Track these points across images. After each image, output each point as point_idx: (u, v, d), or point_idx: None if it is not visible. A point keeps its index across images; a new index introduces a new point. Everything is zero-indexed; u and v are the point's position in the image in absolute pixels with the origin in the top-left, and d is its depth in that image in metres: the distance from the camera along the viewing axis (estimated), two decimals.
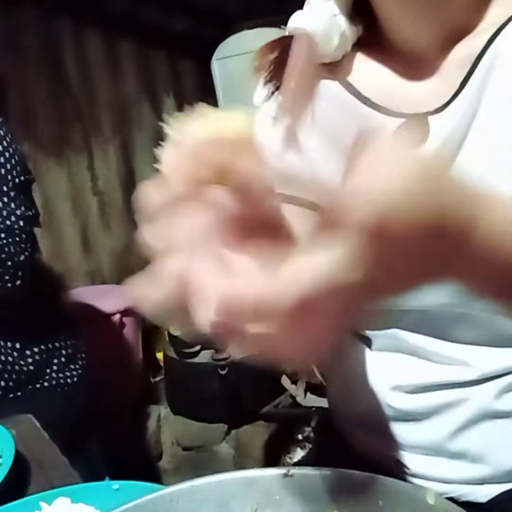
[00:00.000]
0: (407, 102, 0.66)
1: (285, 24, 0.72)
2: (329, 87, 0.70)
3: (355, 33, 0.69)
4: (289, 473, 0.41)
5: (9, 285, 1.28)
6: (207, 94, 2.65)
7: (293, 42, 0.67)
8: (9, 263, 1.26)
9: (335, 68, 0.70)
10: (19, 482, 0.81)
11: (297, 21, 0.68)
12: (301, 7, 0.69)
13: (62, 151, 2.49)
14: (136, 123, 2.65)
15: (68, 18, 2.43)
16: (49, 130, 2.45)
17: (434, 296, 0.66)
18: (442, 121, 0.63)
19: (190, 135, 0.37)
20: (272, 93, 0.72)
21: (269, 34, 0.73)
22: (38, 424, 0.97)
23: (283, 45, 0.70)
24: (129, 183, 2.67)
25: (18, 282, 1.28)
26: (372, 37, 0.69)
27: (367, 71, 0.69)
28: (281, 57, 0.69)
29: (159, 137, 0.39)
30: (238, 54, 2.41)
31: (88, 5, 2.43)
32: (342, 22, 0.67)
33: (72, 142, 2.52)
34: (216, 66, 2.56)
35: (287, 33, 0.69)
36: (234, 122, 0.36)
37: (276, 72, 0.70)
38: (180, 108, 2.85)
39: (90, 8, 2.45)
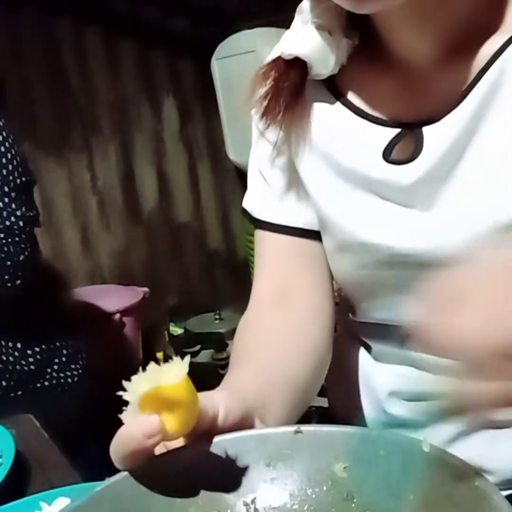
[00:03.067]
0: (404, 112, 0.65)
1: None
2: (323, 103, 0.69)
3: (351, 44, 0.67)
4: (300, 430, 0.46)
5: (9, 284, 1.28)
6: (207, 94, 2.66)
7: (287, 68, 0.67)
8: (9, 263, 1.27)
9: (330, 80, 0.69)
10: (19, 482, 0.81)
11: (289, 46, 0.67)
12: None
13: (62, 151, 2.49)
14: (136, 123, 2.64)
15: (68, 18, 2.43)
16: (49, 130, 2.45)
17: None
18: (437, 133, 0.61)
19: (137, 393, 0.44)
20: (269, 125, 0.70)
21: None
22: (38, 424, 0.97)
23: (277, 70, 0.68)
24: (129, 183, 2.67)
25: (18, 281, 1.29)
26: (368, 45, 0.67)
27: (363, 80, 0.68)
28: (276, 86, 0.68)
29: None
30: (237, 54, 2.41)
31: (88, 5, 2.43)
32: (337, 39, 0.66)
33: (72, 142, 2.52)
34: (216, 66, 2.56)
35: (279, 54, 0.68)
36: (170, 373, 0.43)
37: (271, 103, 0.69)
38: (180, 108, 2.87)
39: (90, 8, 2.45)
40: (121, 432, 0.45)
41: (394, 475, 0.42)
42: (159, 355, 2.59)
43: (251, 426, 0.50)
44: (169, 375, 0.43)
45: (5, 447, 0.82)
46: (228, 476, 0.45)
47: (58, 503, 0.70)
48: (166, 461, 0.45)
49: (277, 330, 0.69)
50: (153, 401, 0.44)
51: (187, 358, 0.44)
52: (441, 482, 0.40)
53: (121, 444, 0.45)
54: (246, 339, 0.70)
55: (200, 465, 0.45)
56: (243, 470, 0.45)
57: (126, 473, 0.44)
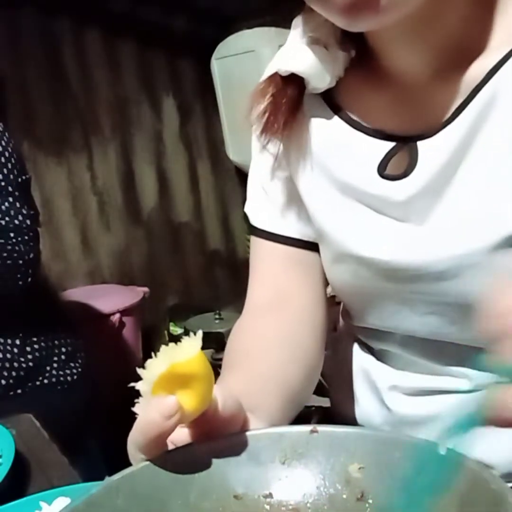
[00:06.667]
0: (399, 126, 0.65)
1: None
2: (321, 117, 0.70)
3: (348, 57, 0.68)
4: (315, 429, 0.47)
5: (20, 283, 1.30)
6: (207, 94, 2.66)
7: (285, 84, 0.67)
8: (21, 261, 1.29)
9: (327, 93, 0.69)
10: (19, 482, 0.80)
11: (286, 62, 0.67)
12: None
13: (62, 151, 2.49)
14: (136, 123, 2.65)
15: (68, 18, 2.43)
16: (49, 130, 2.45)
17: (416, 324, 0.67)
18: (432, 148, 0.61)
19: (152, 378, 0.43)
20: (269, 141, 0.71)
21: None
22: (38, 424, 0.97)
23: (275, 86, 0.68)
24: (129, 183, 2.67)
25: (29, 279, 1.30)
26: (365, 57, 0.68)
27: (360, 92, 0.68)
28: (274, 103, 0.68)
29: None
30: (237, 53, 2.41)
31: (88, 5, 2.43)
32: (333, 52, 0.66)
33: (72, 142, 2.52)
34: (215, 65, 2.56)
35: (276, 70, 0.68)
36: (184, 350, 0.43)
37: (270, 119, 0.69)
38: (179, 107, 2.87)
39: (90, 8, 2.45)
40: (138, 422, 0.44)
41: (409, 477, 0.43)
42: None
43: (245, 420, 0.50)
44: (182, 352, 0.43)
45: (5, 447, 0.82)
46: (242, 472, 0.46)
47: (58, 503, 0.70)
48: (181, 455, 0.46)
49: (270, 336, 0.70)
50: (166, 384, 0.43)
51: (200, 333, 0.43)
52: (457, 485, 0.40)
53: (140, 433, 0.44)
54: (239, 344, 0.71)
55: (215, 460, 0.46)
56: (258, 468, 0.46)
57: (142, 464, 0.44)
